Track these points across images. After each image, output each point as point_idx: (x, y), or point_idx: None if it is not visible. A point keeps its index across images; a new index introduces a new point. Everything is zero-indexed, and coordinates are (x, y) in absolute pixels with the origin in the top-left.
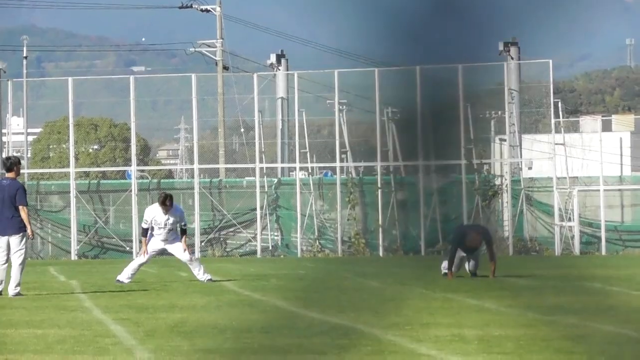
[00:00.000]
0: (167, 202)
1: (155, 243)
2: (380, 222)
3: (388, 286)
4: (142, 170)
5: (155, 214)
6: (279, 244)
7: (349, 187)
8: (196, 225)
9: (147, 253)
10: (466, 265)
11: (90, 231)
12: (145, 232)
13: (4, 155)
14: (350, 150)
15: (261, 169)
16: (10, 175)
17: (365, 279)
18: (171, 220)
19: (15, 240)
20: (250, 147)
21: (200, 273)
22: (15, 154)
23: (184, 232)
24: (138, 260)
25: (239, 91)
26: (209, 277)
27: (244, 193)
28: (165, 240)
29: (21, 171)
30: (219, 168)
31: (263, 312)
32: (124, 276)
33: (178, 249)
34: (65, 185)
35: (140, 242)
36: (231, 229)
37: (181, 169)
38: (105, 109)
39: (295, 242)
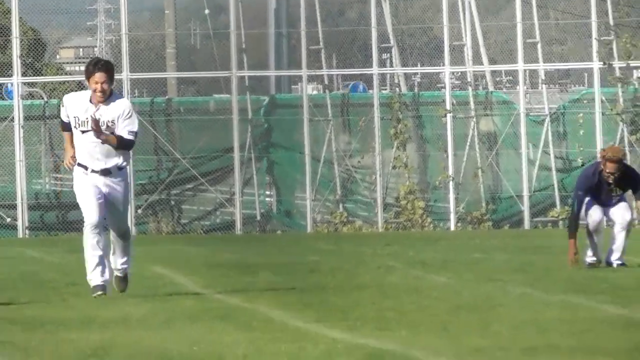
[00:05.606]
0: (102, 67)
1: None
2: (451, 172)
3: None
4: (32, 84)
5: (77, 103)
6: (274, 210)
7: (395, 110)
8: (130, 179)
9: (72, 162)
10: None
11: None
12: (67, 126)
13: None
14: (397, 45)
15: (241, 79)
16: None
17: (426, 272)
18: (108, 117)
19: None
20: (220, 41)
21: (119, 260)
22: None
23: (124, 143)
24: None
25: None
26: (125, 268)
27: (211, 123)
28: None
29: None
30: (166, 79)
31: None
32: (98, 274)
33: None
34: None
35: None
36: (189, 186)
37: None
38: None
39: (302, 207)
